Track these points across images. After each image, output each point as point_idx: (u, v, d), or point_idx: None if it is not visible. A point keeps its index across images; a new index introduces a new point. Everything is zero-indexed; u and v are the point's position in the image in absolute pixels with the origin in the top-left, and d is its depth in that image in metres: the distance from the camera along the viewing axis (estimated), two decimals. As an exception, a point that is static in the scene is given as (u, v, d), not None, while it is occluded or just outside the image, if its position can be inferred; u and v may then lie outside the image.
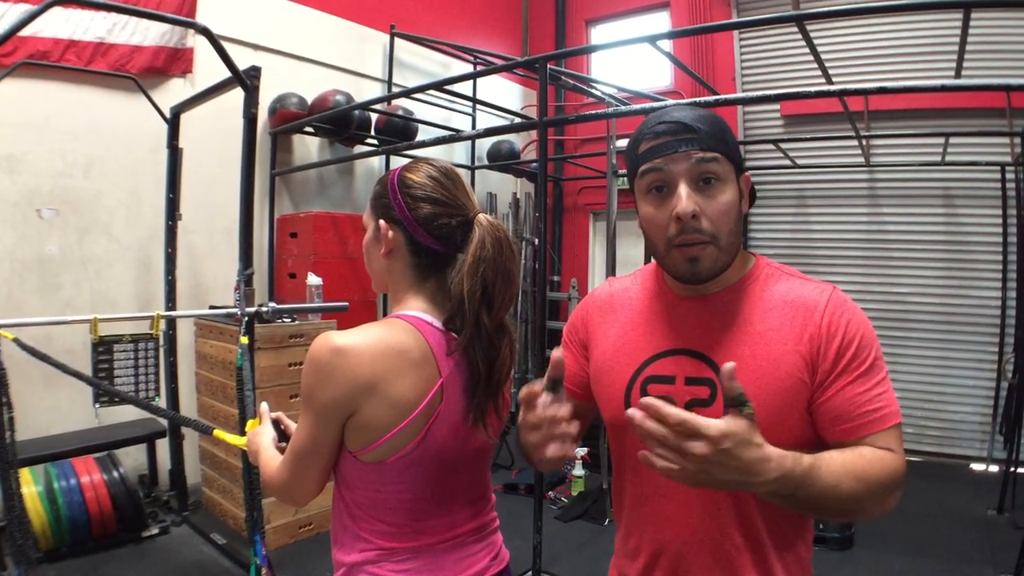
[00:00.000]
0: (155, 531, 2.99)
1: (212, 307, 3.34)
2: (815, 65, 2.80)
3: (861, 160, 4.52)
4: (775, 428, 0.83)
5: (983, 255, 4.37)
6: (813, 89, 2.49)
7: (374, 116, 4.23)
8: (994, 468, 4.14)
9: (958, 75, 2.70)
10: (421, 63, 5.07)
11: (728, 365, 0.67)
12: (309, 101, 3.97)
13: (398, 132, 4.26)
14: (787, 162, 4.62)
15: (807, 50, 2.58)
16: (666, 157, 0.85)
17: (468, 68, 5.04)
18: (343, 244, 3.90)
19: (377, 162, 4.70)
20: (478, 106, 4.96)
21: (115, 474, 2.87)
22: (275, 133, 4.02)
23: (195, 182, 3.49)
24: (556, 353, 0.74)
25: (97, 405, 2.30)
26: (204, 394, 3.31)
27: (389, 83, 4.70)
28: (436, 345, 0.92)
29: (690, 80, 3.97)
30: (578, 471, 3.76)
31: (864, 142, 4.27)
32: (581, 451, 3.85)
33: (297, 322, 3.06)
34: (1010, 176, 4.07)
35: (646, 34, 2.51)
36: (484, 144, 5.29)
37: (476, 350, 0.92)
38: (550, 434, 0.74)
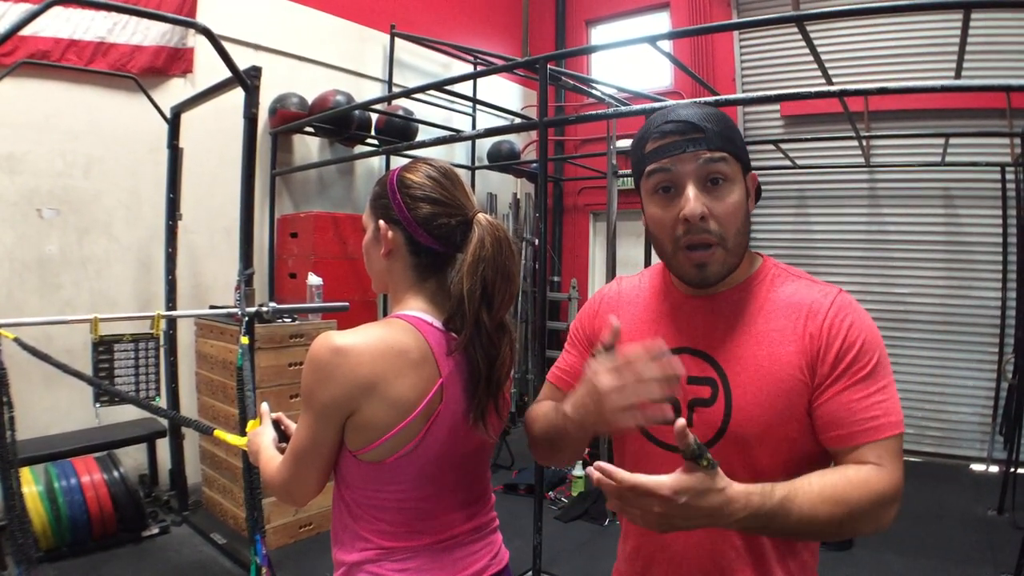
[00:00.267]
0: (155, 531, 2.99)
1: (212, 307, 3.34)
2: (815, 65, 2.80)
3: (861, 160, 4.52)
4: (776, 431, 0.83)
5: (983, 255, 4.37)
6: (813, 89, 2.49)
7: (374, 116, 4.23)
8: (994, 468, 4.14)
9: (958, 76, 2.69)
10: (421, 63, 5.07)
11: (679, 422, 0.65)
12: (309, 101, 3.97)
13: (398, 132, 4.26)
14: (787, 162, 4.62)
15: (807, 50, 2.59)
16: (673, 157, 0.84)
17: (468, 68, 5.05)
18: (343, 244, 3.90)
19: (377, 162, 4.70)
20: (478, 106, 4.96)
21: (115, 474, 2.87)
22: (275, 133, 4.02)
23: (195, 182, 3.49)
24: (615, 320, 0.80)
25: (97, 405, 2.29)
26: (204, 394, 3.31)
27: (389, 83, 4.70)
28: (436, 345, 0.92)
29: (690, 81, 3.97)
30: (578, 471, 3.76)
31: (864, 142, 4.27)
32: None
33: (297, 322, 3.06)
34: (1010, 176, 4.07)
35: (646, 34, 2.52)
36: (484, 144, 5.28)
37: (476, 349, 0.92)
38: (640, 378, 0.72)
